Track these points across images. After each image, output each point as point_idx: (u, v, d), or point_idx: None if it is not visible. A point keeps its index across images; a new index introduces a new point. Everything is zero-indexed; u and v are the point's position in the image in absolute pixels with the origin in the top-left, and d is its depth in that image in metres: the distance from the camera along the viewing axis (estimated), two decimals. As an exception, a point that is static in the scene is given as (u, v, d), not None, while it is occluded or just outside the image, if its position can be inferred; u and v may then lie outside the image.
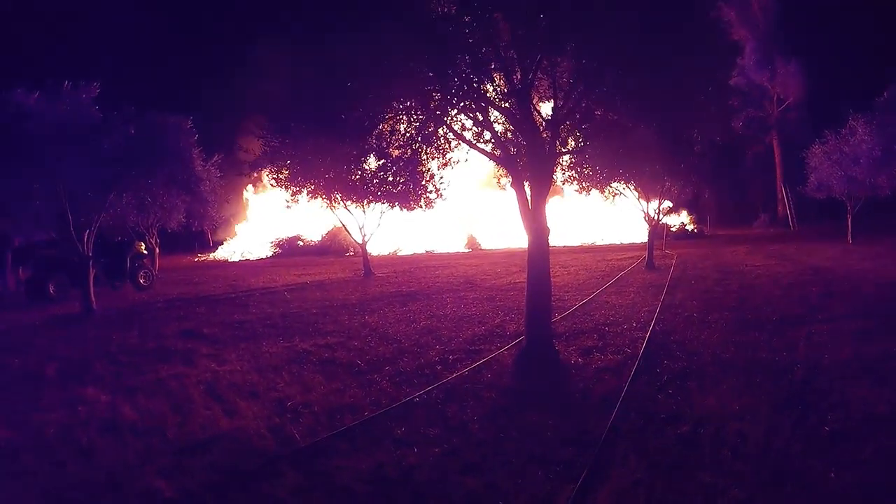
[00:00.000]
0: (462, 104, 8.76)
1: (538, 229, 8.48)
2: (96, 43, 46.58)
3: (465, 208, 38.13)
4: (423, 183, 14.36)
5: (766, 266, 20.66)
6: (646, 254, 22.29)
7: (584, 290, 16.32)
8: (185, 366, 9.65)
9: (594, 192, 17.39)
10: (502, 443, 6.08)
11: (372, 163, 14.35)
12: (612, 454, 5.70)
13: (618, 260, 25.28)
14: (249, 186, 42.77)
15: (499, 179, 10.63)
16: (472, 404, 7.27)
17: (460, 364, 9.07)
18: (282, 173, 12.24)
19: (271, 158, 10.14)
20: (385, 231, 27.50)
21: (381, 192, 17.77)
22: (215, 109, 41.61)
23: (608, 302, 14.16)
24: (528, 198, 8.58)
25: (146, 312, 15.74)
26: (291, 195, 18.34)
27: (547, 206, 8.86)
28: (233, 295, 18.76)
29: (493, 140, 8.93)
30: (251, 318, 13.76)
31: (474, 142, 9.35)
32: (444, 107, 8.67)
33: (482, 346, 10.10)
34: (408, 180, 14.74)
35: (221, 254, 41.41)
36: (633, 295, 15.11)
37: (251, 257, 39.17)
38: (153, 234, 26.53)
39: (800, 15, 47.10)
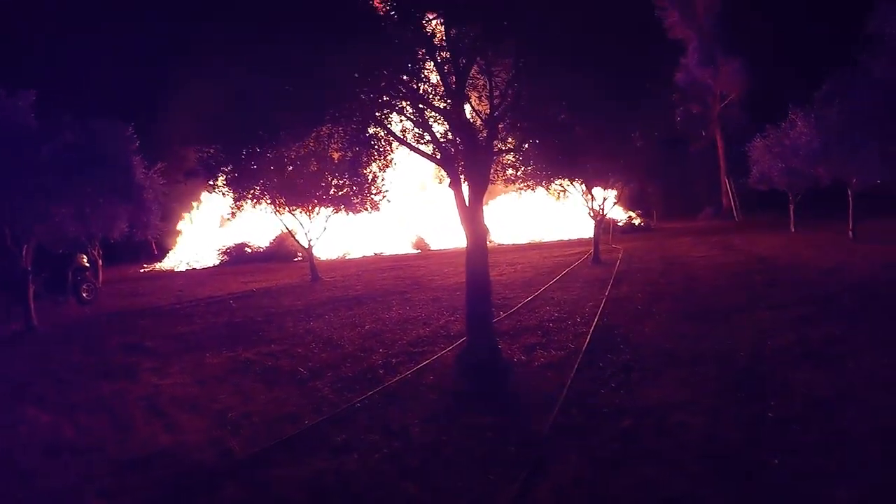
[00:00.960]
0: (398, 105, 8.69)
1: (476, 229, 8.44)
2: (32, 50, 45.27)
3: (412, 209, 38.01)
4: (367, 185, 14.29)
5: (711, 257, 21.07)
6: (592, 249, 22.48)
7: (530, 287, 16.36)
8: (128, 381, 9.40)
9: (540, 189, 17.51)
10: (443, 445, 6.03)
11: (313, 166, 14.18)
12: (553, 452, 5.67)
13: (565, 256, 25.47)
14: (204, 194, 41.89)
15: (440, 179, 10.59)
16: (413, 407, 7.20)
17: (403, 367, 9.00)
18: (217, 180, 12.00)
19: (206, 166, 9.91)
20: (333, 235, 27.20)
21: (325, 195, 17.58)
22: (159, 116, 40.76)
23: (553, 298, 14.22)
24: (466, 197, 8.54)
25: (89, 327, 15.29)
26: (234, 202, 18.01)
27: (495, 204, 8.85)
28: (178, 306, 18.34)
29: (431, 141, 8.87)
30: (195, 330, 13.48)
31: (414, 143, 9.28)
32: (381, 109, 8.58)
33: (426, 348, 10.04)
34: (352, 183, 14.64)
35: (167, 264, 40.51)
36: (578, 290, 15.20)
37: (198, 266, 38.40)
38: (96, 246, 25.77)
39: (741, 14, 48.45)
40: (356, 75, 7.51)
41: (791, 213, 29.85)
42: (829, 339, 8.81)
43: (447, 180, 8.66)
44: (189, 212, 43.31)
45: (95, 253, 25.47)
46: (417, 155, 9.04)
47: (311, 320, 13.50)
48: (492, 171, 11.07)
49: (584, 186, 20.95)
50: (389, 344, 10.54)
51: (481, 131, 8.88)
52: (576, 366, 8.31)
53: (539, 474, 5.24)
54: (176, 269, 38.10)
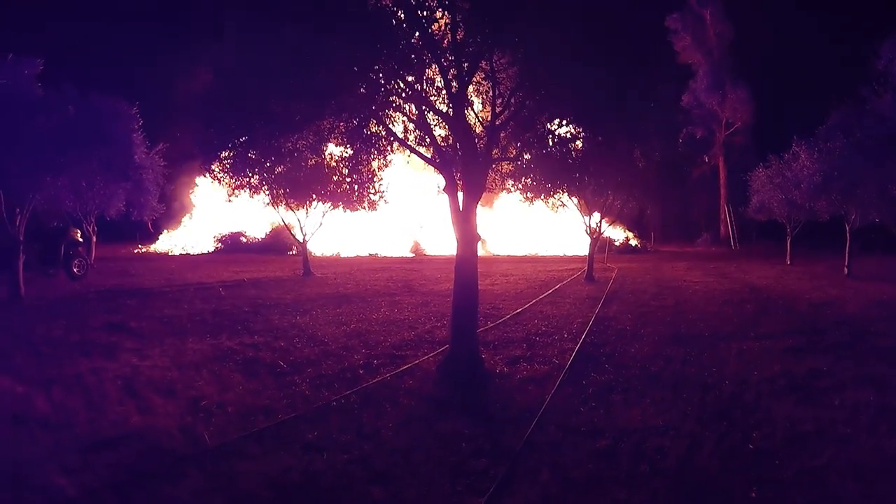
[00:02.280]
0: (400, 105, 8.64)
1: (468, 235, 8.38)
2: (43, 18, 45.34)
3: (410, 213, 37.94)
4: (366, 183, 14.15)
5: (705, 283, 21.01)
6: (586, 266, 22.42)
7: (521, 299, 16.30)
8: (106, 360, 9.31)
9: (539, 202, 17.44)
10: (414, 451, 5.94)
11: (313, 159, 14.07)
12: (525, 467, 5.58)
13: (559, 271, 25.39)
14: (200, 179, 41.70)
15: (439, 190, 10.55)
16: (389, 411, 7.12)
17: (384, 369, 8.91)
18: (213, 165, 11.89)
19: (202, 149, 9.84)
20: (329, 232, 27.12)
21: (323, 191, 17.47)
22: (164, 97, 40.70)
23: (542, 312, 14.14)
24: (461, 203, 8.48)
25: (76, 303, 15.18)
26: (232, 189, 17.90)
27: (493, 213, 8.80)
28: (167, 289, 18.23)
29: (430, 143, 8.81)
30: (181, 314, 13.38)
31: (414, 145, 9.23)
32: (382, 107, 8.52)
33: (408, 352, 9.95)
34: (352, 181, 14.51)
35: (163, 246, 40.39)
36: (568, 306, 15.13)
37: (193, 251, 38.32)
38: (91, 222, 25.67)
39: (752, 43, 48.94)
40: (355, 68, 7.44)
41: (788, 244, 29.87)
42: (814, 372, 8.78)
43: (441, 184, 8.60)
44: (189, 195, 43.17)
45: (90, 229, 25.37)
46: (416, 157, 8.99)
47: (297, 315, 13.42)
48: (490, 179, 11.04)
49: (582, 203, 20.91)
50: (373, 345, 10.45)
51: (481, 138, 8.83)
52: (558, 382, 8.22)
53: (507, 490, 5.15)
54: (170, 253, 38.01)
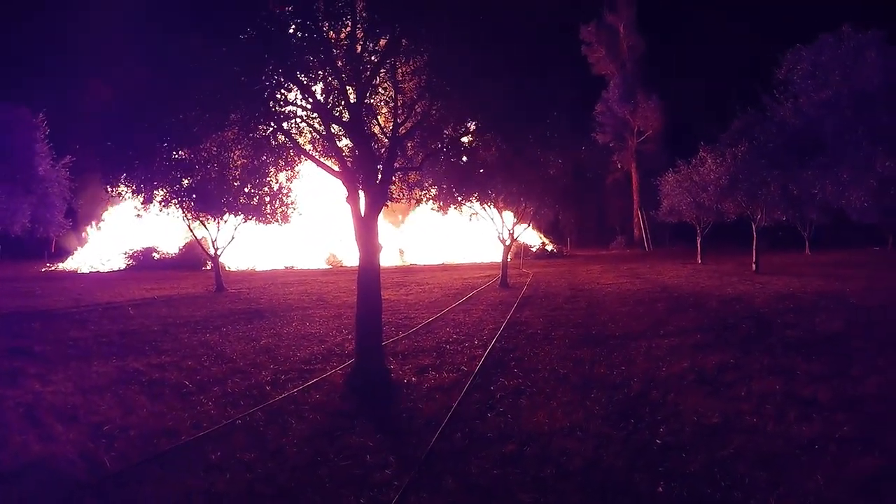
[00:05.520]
0: (305, 115, 8.58)
1: (369, 246, 8.36)
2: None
3: (326, 224, 37.69)
4: (277, 195, 13.98)
5: (618, 284, 21.60)
6: (500, 272, 22.71)
7: (435, 307, 16.37)
8: (8, 386, 8.84)
9: (453, 210, 17.58)
10: (318, 466, 5.85)
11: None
12: (429, 476, 5.57)
13: (474, 278, 25.67)
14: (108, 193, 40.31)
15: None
16: (294, 426, 7.00)
17: (291, 384, 8.74)
18: (114, 179, 11.43)
19: (103, 164, 9.50)
20: (245, 246, 26.61)
21: (234, 203, 17.14)
22: (72, 106, 39.16)
23: (455, 320, 14.22)
24: (363, 213, 8.46)
25: (-24, 327, 14.43)
26: (141, 203, 17.34)
27: (410, 222, 8.80)
28: (74, 310, 17.48)
29: (334, 154, 8.77)
30: (87, 336, 12.84)
31: (317, 156, 9.17)
32: (285, 118, 8.44)
33: (317, 366, 9.81)
34: (262, 193, 14.29)
35: (72, 264, 38.82)
36: (480, 313, 15.27)
37: (103, 269, 36.93)
38: (-7, 239, 24.52)
39: (662, 56, 51.36)
40: (243, 78, 7.33)
41: (699, 244, 31.08)
42: (722, 366, 9.05)
43: (343, 194, 8.56)
44: (99, 211, 41.68)
45: (-8, 247, 24.18)
46: (319, 167, 8.92)
47: (207, 332, 13.08)
48: (397, 189, 11.07)
49: (498, 209, 21.18)
50: (282, 360, 10.27)
51: (382, 146, 8.84)
52: (465, 389, 8.26)
53: (410, 500, 5.14)
54: (79, 271, 36.57)
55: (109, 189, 11.97)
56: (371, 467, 5.83)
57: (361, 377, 8.30)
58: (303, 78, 7.78)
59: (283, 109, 8.12)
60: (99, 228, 41.94)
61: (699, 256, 31.05)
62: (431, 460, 5.97)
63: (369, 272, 8.35)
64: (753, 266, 24.57)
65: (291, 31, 7.48)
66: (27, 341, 12.24)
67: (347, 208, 8.49)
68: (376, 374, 8.38)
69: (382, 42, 7.97)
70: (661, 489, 5.18)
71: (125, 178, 10.37)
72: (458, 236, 39.67)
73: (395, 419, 7.27)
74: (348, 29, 7.84)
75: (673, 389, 8.03)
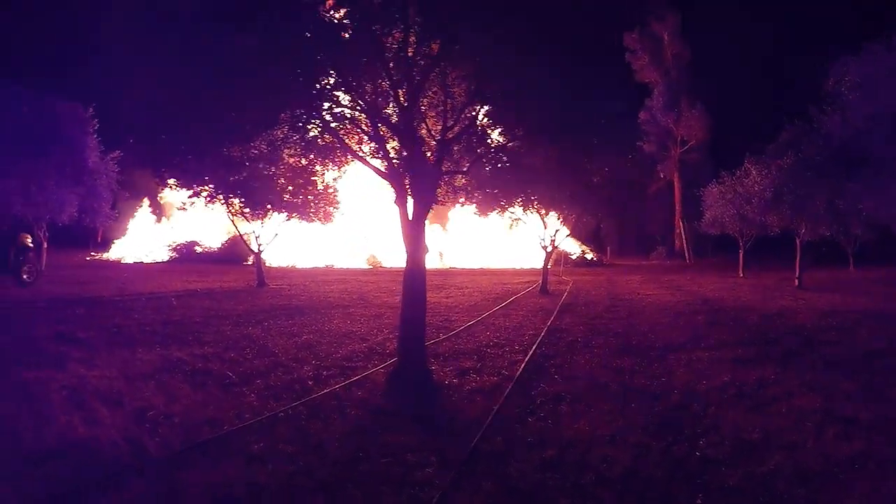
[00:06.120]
0: (354, 116, 8.68)
1: (417, 248, 8.43)
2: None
3: (367, 225, 37.89)
4: (320, 194, 14.16)
5: (658, 295, 21.36)
6: (541, 279, 22.63)
7: (475, 311, 16.37)
8: (53, 369, 9.04)
9: (495, 215, 17.60)
10: (358, 463, 5.90)
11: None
12: (469, 478, 5.59)
13: (514, 284, 25.56)
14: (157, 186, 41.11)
15: (384, 197, 10.57)
16: (335, 422, 7.08)
17: (333, 381, 8.85)
18: (165, 174, 11.72)
19: (154, 159, 9.75)
20: (286, 243, 26.91)
21: (278, 201, 17.39)
22: (120, 101, 40.08)
23: (495, 324, 14.22)
24: (411, 215, 8.53)
25: (24, 310, 14.83)
26: (188, 198, 17.70)
27: (448, 227, 8.85)
28: (118, 298, 17.88)
29: (383, 156, 8.85)
30: (131, 324, 13.14)
31: (367, 157, 9.26)
32: (337, 119, 8.55)
33: (359, 364, 9.91)
34: (307, 192, 14.47)
35: (115, 254, 39.70)
36: (521, 318, 15.25)
37: (147, 260, 37.71)
38: (42, 227, 25.13)
39: (708, 64, 50.53)
40: (301, 79, 7.45)
41: (741, 257, 30.60)
42: (763, 381, 8.93)
43: (392, 196, 8.63)
44: (142, 204, 42.50)
45: (41, 235, 24.80)
46: (369, 169, 9.01)
47: (249, 326, 13.28)
48: (443, 192, 11.12)
49: (541, 215, 21.11)
50: (323, 357, 10.39)
51: (433, 150, 8.89)
52: (506, 392, 8.27)
53: (450, 500, 5.17)
54: (123, 261, 37.36)
55: (159, 182, 12.27)
56: (412, 466, 5.85)
57: (403, 376, 8.37)
58: (354, 81, 7.87)
59: (332, 110, 8.21)
60: (143, 220, 42.75)
61: (741, 270, 30.57)
62: (472, 461, 5.99)
63: (416, 274, 8.42)
64: (796, 281, 24.08)
65: (346, 34, 7.57)
66: (72, 327, 12.55)
67: (389, 209, 8.57)
68: (418, 375, 8.44)
69: (434, 47, 8.02)
70: (699, 501, 5.14)
71: (176, 172, 10.61)
72: (498, 241, 39.59)
73: (437, 419, 7.31)
74: (401, 33, 7.91)
75: (713, 403, 7.94)
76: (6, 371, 8.91)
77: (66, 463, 5.78)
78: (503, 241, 39.08)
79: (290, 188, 14.29)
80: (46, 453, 5.96)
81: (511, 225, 20.63)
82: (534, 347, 11.26)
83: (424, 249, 8.64)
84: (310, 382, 8.76)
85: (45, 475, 5.48)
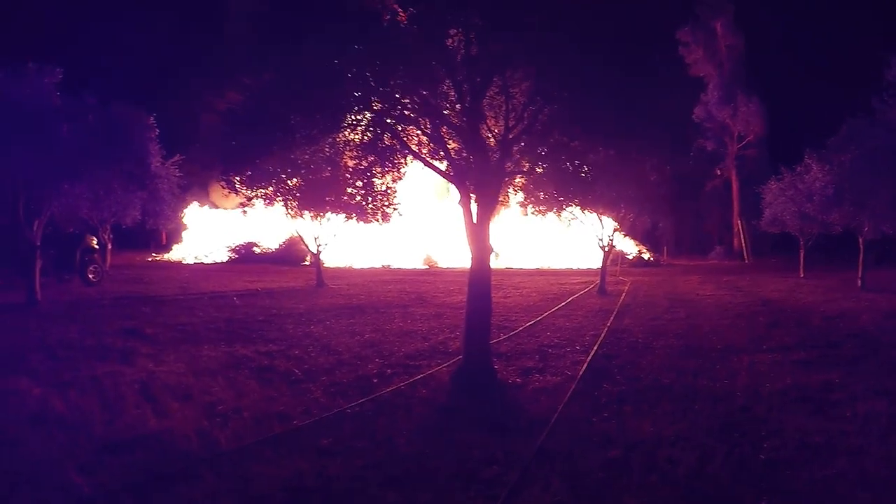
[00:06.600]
0: (414, 118, 8.77)
1: (481, 248, 8.50)
2: (64, 28, 46.14)
3: (423, 226, 37.97)
4: (379, 195, 14.27)
5: (717, 296, 20.98)
6: (599, 279, 22.45)
7: (533, 311, 16.35)
8: (122, 364, 9.47)
9: (552, 215, 17.53)
10: (427, 459, 6.00)
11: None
12: (536, 475, 5.64)
13: (571, 284, 25.37)
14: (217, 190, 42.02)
15: (440, 196, 10.62)
16: (402, 419, 7.21)
17: (397, 378, 9.01)
18: (233, 177, 12.06)
19: (225, 164, 10.05)
20: (342, 243, 27.21)
21: (337, 202, 17.59)
22: (184, 110, 41.22)
23: (555, 324, 14.21)
24: (475, 216, 8.60)
25: (91, 308, 15.45)
26: (248, 199, 18.04)
27: (503, 225, 8.91)
28: (181, 297, 18.46)
29: (444, 157, 8.94)
30: (195, 322, 13.57)
31: (427, 158, 9.35)
32: (399, 121, 8.66)
33: (422, 362, 10.05)
34: (366, 193, 14.62)
35: (176, 255, 40.72)
36: (580, 318, 15.19)
37: (206, 261, 38.59)
38: (106, 229, 26.02)
39: (764, 56, 49.01)
40: (372, 83, 7.59)
41: (801, 257, 29.72)
42: (826, 385, 8.76)
43: (455, 196, 8.72)
44: (202, 206, 43.42)
45: (105, 236, 25.69)
46: (430, 170, 9.11)
47: (311, 324, 13.55)
48: (503, 192, 11.15)
49: (594, 215, 20.96)
50: (387, 355, 10.56)
51: (495, 151, 8.95)
52: (570, 392, 8.30)
53: (518, 497, 5.22)
54: (184, 262, 38.28)
55: (224, 186, 12.57)
56: (479, 463, 5.93)
57: (468, 375, 8.45)
58: (422, 85, 7.98)
59: (406, 114, 8.33)
60: (202, 222, 43.68)
61: (801, 270, 29.65)
62: (539, 460, 6.03)
63: (480, 274, 8.50)
64: (859, 282, 23.28)
65: (411, 38, 7.68)
66: (138, 323, 13.04)
67: (444, 209, 8.66)
68: (483, 374, 8.51)
69: (497, 48, 8.07)
70: (763, 503, 5.12)
71: (245, 175, 10.86)
72: (553, 241, 39.28)
73: (501, 418, 7.36)
74: (463, 34, 7.98)
75: (776, 406, 7.83)
76: (78, 365, 9.30)
77: (140, 454, 6.00)
78: (558, 240, 38.76)
79: (348, 190, 14.45)
80: (120, 444, 6.21)
81: (568, 224, 20.51)
82: (595, 348, 11.22)
83: (489, 249, 8.71)
84: (374, 380, 8.92)
85: (120, 465, 5.71)
